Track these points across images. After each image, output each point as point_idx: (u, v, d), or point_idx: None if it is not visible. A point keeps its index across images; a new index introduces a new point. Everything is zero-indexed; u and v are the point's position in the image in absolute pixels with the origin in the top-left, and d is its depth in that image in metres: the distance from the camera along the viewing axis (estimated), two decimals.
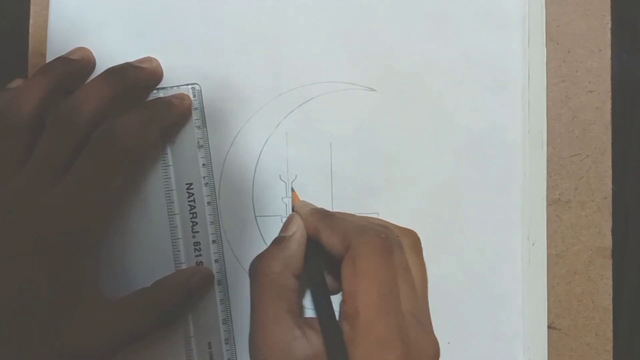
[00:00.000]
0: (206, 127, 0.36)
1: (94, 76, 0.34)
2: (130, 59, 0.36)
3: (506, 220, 0.35)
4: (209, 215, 0.36)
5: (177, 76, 0.36)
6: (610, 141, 0.35)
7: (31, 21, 0.37)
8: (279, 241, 0.31)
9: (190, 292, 0.34)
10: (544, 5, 0.35)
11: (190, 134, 0.36)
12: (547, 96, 0.35)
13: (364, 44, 0.36)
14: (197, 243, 0.35)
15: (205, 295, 0.35)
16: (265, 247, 0.35)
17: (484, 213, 0.35)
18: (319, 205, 0.35)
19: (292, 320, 0.28)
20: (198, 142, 0.36)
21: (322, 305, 0.30)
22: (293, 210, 0.34)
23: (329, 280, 0.31)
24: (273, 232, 0.36)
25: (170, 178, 0.35)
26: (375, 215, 0.35)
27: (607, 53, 0.35)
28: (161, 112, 0.34)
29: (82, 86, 0.33)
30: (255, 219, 0.36)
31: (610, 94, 0.35)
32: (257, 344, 0.28)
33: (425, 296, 0.31)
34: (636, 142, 0.36)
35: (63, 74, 0.34)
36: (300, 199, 0.35)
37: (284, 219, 0.35)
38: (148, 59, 0.36)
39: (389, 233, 0.30)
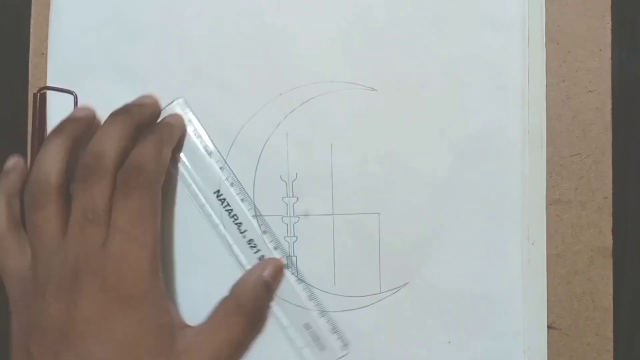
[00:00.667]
0: (206, 132, 0.36)
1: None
2: (133, 58, 0.36)
3: (506, 220, 0.35)
4: (249, 210, 0.36)
5: (177, 75, 0.36)
6: (610, 141, 0.35)
7: (32, 20, 0.37)
8: None
9: (268, 285, 0.34)
10: (543, 5, 0.35)
11: (194, 145, 0.36)
12: (547, 96, 0.35)
13: (365, 43, 0.36)
14: (250, 241, 0.36)
15: (282, 283, 0.35)
16: (265, 246, 0.36)
17: (483, 213, 0.35)
18: (320, 206, 0.35)
19: None
20: (205, 150, 0.36)
21: None
22: None
23: None
24: (274, 232, 0.36)
25: (197, 194, 0.36)
26: (376, 216, 0.35)
27: (608, 53, 0.35)
28: (167, 133, 0.34)
29: (96, 134, 0.33)
30: (256, 219, 0.36)
31: (610, 94, 0.35)
32: None
33: None
34: (637, 142, 0.36)
35: (75, 133, 0.34)
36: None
37: (285, 219, 0.36)
38: (147, 96, 0.36)
39: None
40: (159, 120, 0.36)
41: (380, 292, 0.35)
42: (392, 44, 0.36)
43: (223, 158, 0.36)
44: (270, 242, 0.36)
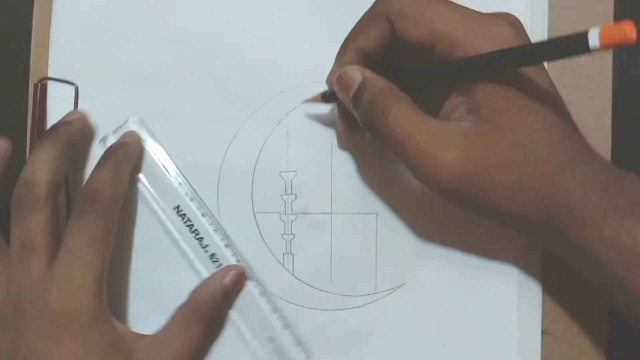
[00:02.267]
0: (163, 148, 0.36)
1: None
2: (134, 50, 0.36)
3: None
4: (209, 224, 0.36)
5: (177, 69, 0.36)
6: (610, 148, 0.35)
7: (34, 11, 0.37)
8: None
9: (227, 291, 0.34)
10: (546, 11, 0.35)
11: (152, 163, 0.36)
12: None
13: None
14: (212, 255, 0.36)
15: (242, 292, 0.35)
16: (263, 244, 0.36)
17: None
18: (319, 205, 0.35)
19: None
20: (163, 167, 0.36)
21: None
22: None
23: None
24: (272, 229, 0.36)
25: (157, 211, 0.36)
26: (373, 216, 0.35)
27: (609, 59, 0.35)
28: (123, 155, 0.34)
29: (27, 161, 0.33)
30: (254, 215, 0.36)
31: (611, 100, 0.35)
32: None
33: None
34: (636, 149, 0.36)
35: (69, 137, 0.34)
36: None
37: (283, 216, 0.35)
38: (71, 113, 0.36)
39: None
40: (117, 140, 0.36)
41: (376, 292, 0.35)
42: None
43: (181, 173, 0.36)
44: (232, 255, 0.36)
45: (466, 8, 0.29)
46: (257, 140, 0.36)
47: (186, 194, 0.36)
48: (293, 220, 0.36)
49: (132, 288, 0.36)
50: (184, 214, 0.36)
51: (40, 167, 0.32)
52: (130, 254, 0.36)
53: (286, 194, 0.36)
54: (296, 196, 0.36)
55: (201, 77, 0.36)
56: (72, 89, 0.37)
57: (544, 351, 0.35)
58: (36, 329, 0.30)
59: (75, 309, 0.30)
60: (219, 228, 0.36)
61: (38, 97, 0.37)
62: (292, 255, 0.36)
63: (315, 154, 0.36)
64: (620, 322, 0.35)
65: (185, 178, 0.36)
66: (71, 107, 0.36)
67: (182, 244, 0.36)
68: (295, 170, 0.36)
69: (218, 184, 0.36)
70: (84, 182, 0.34)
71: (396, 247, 0.35)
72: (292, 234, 0.36)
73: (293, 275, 0.36)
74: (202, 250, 0.36)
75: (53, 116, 0.36)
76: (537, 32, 0.35)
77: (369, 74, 0.30)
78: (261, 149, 0.36)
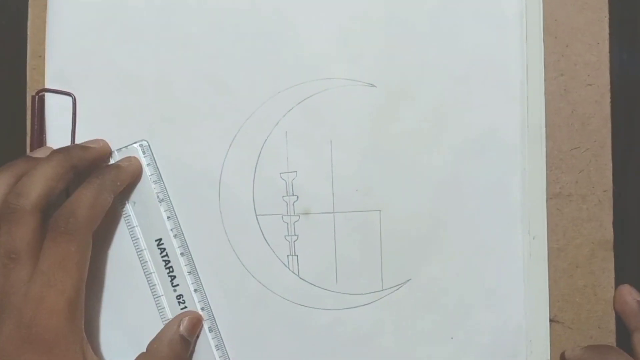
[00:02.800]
0: (162, 181, 0.36)
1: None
2: (130, 60, 0.36)
3: (507, 215, 0.35)
4: (185, 265, 0.36)
5: (174, 76, 0.36)
6: (610, 134, 0.35)
7: (29, 23, 0.37)
8: None
9: (184, 339, 0.34)
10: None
11: (148, 190, 0.36)
12: (545, 90, 0.35)
13: (363, 40, 0.36)
14: (179, 296, 0.36)
15: (199, 337, 0.36)
16: (267, 246, 0.36)
17: (484, 208, 0.35)
18: (321, 204, 0.35)
19: None
20: (157, 197, 0.36)
21: None
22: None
23: None
24: (274, 231, 0.36)
25: (138, 238, 0.36)
26: (377, 213, 0.35)
27: (606, 46, 0.35)
28: (111, 178, 0.34)
29: (28, 172, 0.33)
30: (257, 218, 0.36)
31: (609, 86, 0.35)
32: None
33: None
34: (636, 134, 0.36)
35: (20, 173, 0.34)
36: None
37: (285, 218, 0.35)
38: (96, 141, 0.36)
39: None
40: (115, 161, 0.36)
41: (383, 290, 0.35)
42: (391, 40, 0.36)
43: (173, 209, 0.36)
44: (200, 301, 0.36)
45: None
46: (256, 142, 0.36)
47: (171, 230, 0.36)
48: (296, 221, 0.36)
49: (103, 311, 0.36)
50: (164, 249, 0.36)
51: (38, 180, 0.32)
52: (104, 276, 0.36)
53: (287, 195, 0.36)
54: (298, 197, 0.36)
55: (198, 80, 0.36)
56: (69, 100, 0.37)
57: (553, 339, 0.35)
58: (9, 337, 0.30)
59: (45, 331, 0.30)
60: (193, 271, 0.36)
61: (36, 109, 0.37)
62: (297, 256, 0.36)
63: (315, 153, 0.36)
64: None
65: (175, 214, 0.36)
66: (69, 117, 0.36)
67: (155, 277, 0.36)
68: (296, 171, 0.36)
69: (219, 189, 0.36)
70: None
71: (401, 242, 0.35)
72: (295, 235, 0.36)
73: (298, 276, 0.36)
74: (172, 288, 0.36)
75: (51, 127, 0.36)
76: (532, 22, 0.35)
77: None
78: (260, 151, 0.36)
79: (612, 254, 0.35)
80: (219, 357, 0.36)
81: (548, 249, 0.35)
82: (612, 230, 0.35)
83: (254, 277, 0.36)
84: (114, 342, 0.36)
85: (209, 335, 0.36)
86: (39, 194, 0.32)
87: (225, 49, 0.36)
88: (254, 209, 0.36)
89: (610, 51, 0.35)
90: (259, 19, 0.36)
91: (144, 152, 0.36)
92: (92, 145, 0.36)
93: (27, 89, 0.37)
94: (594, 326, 0.35)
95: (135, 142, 0.36)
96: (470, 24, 0.35)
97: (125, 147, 0.36)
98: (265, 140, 0.36)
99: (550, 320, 0.35)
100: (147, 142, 0.36)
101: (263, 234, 0.36)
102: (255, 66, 0.36)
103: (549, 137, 0.35)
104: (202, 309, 0.36)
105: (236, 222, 0.36)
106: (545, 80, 0.35)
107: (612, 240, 0.35)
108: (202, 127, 0.36)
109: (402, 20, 0.36)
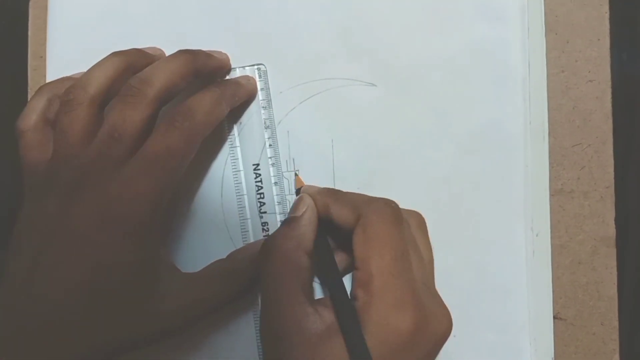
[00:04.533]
0: (272, 108, 0.36)
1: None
2: None
3: (509, 212, 0.35)
4: (276, 195, 0.36)
5: None
6: (611, 130, 0.35)
7: (30, 24, 0.37)
8: (289, 221, 0.31)
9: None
10: None
11: (257, 114, 0.36)
12: (547, 86, 0.35)
13: (363, 39, 0.36)
14: (265, 223, 0.36)
15: None
16: None
17: (486, 205, 0.35)
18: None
19: (305, 297, 0.29)
20: (264, 123, 0.36)
21: (332, 280, 0.30)
22: (297, 193, 0.34)
23: (337, 260, 0.32)
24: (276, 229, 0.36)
25: (237, 159, 0.36)
26: None
27: (606, 42, 0.35)
28: (231, 91, 0.34)
29: (153, 63, 0.32)
30: (259, 216, 0.36)
31: (610, 82, 0.35)
32: (270, 321, 0.29)
33: (432, 275, 0.32)
34: (637, 130, 0.36)
35: (135, 61, 0.33)
36: (305, 184, 0.35)
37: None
38: (220, 52, 0.36)
39: (397, 206, 0.31)
40: (234, 76, 0.36)
41: None
42: (391, 39, 0.36)
43: (276, 137, 0.36)
44: None
45: None
46: (258, 141, 0.36)
47: (270, 158, 0.36)
48: None
49: (184, 220, 0.36)
50: (259, 174, 0.36)
51: (161, 71, 0.31)
52: (194, 187, 0.36)
53: (290, 194, 0.36)
54: None
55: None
56: None
57: (556, 336, 0.35)
58: (86, 214, 0.29)
59: (128, 213, 0.30)
60: (283, 202, 0.36)
61: None
62: None
63: (317, 152, 0.36)
64: (632, 305, 0.35)
65: (277, 143, 0.36)
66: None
67: (245, 199, 0.36)
68: (298, 170, 0.36)
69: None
70: None
71: None
72: None
73: None
74: (259, 215, 0.36)
75: None
76: (534, 18, 0.35)
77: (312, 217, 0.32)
78: (262, 150, 0.36)
79: (614, 250, 0.35)
80: None
81: (550, 246, 0.35)
82: (614, 226, 0.35)
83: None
84: (194, 250, 0.36)
85: None
86: (162, 85, 0.31)
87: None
88: (258, 207, 0.36)
89: (611, 47, 0.35)
90: (259, 19, 0.36)
91: (259, 76, 0.36)
92: (215, 55, 0.35)
93: (28, 90, 0.37)
94: (596, 323, 0.35)
95: (253, 64, 0.36)
96: (471, 21, 0.35)
97: (243, 67, 0.36)
98: (268, 139, 0.36)
99: (553, 317, 0.35)
100: (265, 66, 0.36)
101: (267, 233, 0.36)
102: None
103: (550, 133, 0.35)
104: None
105: (238, 220, 0.36)
106: (546, 76, 0.35)
107: (614, 236, 0.35)
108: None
109: (403, 18, 0.36)
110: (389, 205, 0.30)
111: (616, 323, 0.35)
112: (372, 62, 0.36)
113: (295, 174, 0.36)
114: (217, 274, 0.34)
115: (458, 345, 0.35)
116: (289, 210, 0.35)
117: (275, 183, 0.36)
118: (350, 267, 0.31)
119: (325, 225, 0.32)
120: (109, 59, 0.32)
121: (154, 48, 0.36)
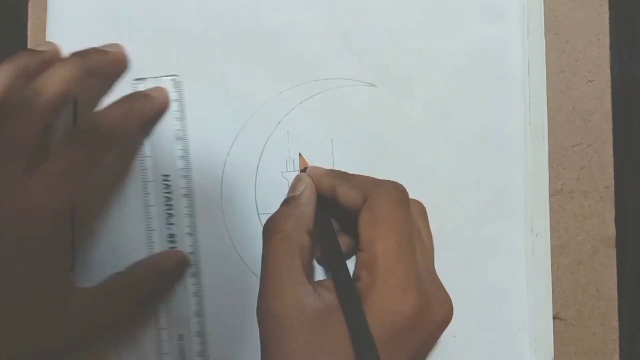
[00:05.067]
0: (186, 119, 0.36)
1: None
2: (131, 51, 0.36)
3: (509, 212, 0.35)
4: (185, 207, 0.36)
5: (175, 74, 0.36)
6: (611, 130, 0.35)
7: (29, 24, 0.37)
8: (289, 200, 0.31)
9: (165, 274, 0.34)
10: None
11: (168, 125, 0.36)
12: (547, 87, 0.35)
13: (363, 39, 0.36)
14: (171, 235, 0.36)
15: (179, 282, 0.36)
16: (182, 247, 0.36)
17: (487, 206, 0.35)
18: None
19: (305, 276, 0.29)
20: (177, 134, 0.36)
21: (335, 260, 0.30)
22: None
23: (341, 242, 0.32)
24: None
25: (147, 169, 0.36)
26: None
27: (606, 42, 0.35)
28: (139, 105, 0.34)
29: (46, 70, 0.32)
30: (259, 217, 0.36)
31: (610, 82, 0.35)
32: (269, 299, 0.28)
33: (433, 262, 0.32)
34: (637, 130, 0.36)
35: (27, 64, 0.33)
36: (310, 164, 0.35)
37: None
38: (114, 45, 0.36)
39: (404, 189, 0.30)
40: (147, 86, 0.36)
41: None
42: (391, 39, 0.36)
43: (188, 149, 0.36)
44: (190, 245, 0.36)
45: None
46: (258, 141, 0.36)
47: (181, 169, 0.36)
48: None
49: (94, 230, 0.36)
50: (169, 186, 0.36)
51: (52, 80, 0.31)
52: (103, 197, 0.36)
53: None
54: None
55: (199, 80, 0.36)
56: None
57: (556, 336, 0.35)
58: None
59: (30, 223, 0.29)
60: (192, 215, 0.36)
61: None
62: None
63: (317, 152, 0.36)
64: (632, 305, 0.35)
65: (189, 155, 0.36)
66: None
67: (153, 210, 0.36)
68: (298, 170, 0.36)
69: (221, 188, 0.36)
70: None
71: None
72: None
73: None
74: (166, 226, 0.36)
75: None
76: (533, 19, 0.35)
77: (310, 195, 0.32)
78: (262, 151, 0.36)
79: (614, 250, 0.35)
80: (196, 303, 0.35)
81: (550, 246, 0.35)
82: (614, 226, 0.35)
83: (256, 275, 0.35)
84: (98, 262, 0.36)
85: (190, 281, 0.36)
86: (53, 94, 0.31)
87: (227, 49, 0.36)
88: (256, 207, 0.36)
89: (611, 47, 0.35)
90: (259, 17, 0.36)
91: (175, 87, 0.36)
92: (109, 50, 0.35)
93: None
94: (596, 323, 0.35)
95: (168, 75, 0.36)
96: (471, 21, 0.35)
97: (157, 77, 0.36)
98: (267, 139, 0.36)
99: (553, 318, 0.35)
100: (180, 77, 0.36)
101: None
102: (257, 67, 0.36)
103: (550, 134, 0.35)
104: (192, 253, 0.36)
105: (238, 220, 0.36)
106: (546, 76, 0.35)
107: (614, 236, 0.35)
108: (204, 127, 0.36)
109: (402, 18, 0.36)
110: (397, 188, 0.30)
111: (616, 323, 0.35)
112: (372, 62, 0.36)
113: (300, 155, 0.35)
114: (116, 287, 0.34)
115: (458, 345, 0.35)
116: (191, 224, 0.36)
117: (185, 195, 0.36)
118: (353, 250, 0.31)
119: (330, 207, 0.32)
120: (0, 68, 0.32)
121: (48, 43, 0.35)
